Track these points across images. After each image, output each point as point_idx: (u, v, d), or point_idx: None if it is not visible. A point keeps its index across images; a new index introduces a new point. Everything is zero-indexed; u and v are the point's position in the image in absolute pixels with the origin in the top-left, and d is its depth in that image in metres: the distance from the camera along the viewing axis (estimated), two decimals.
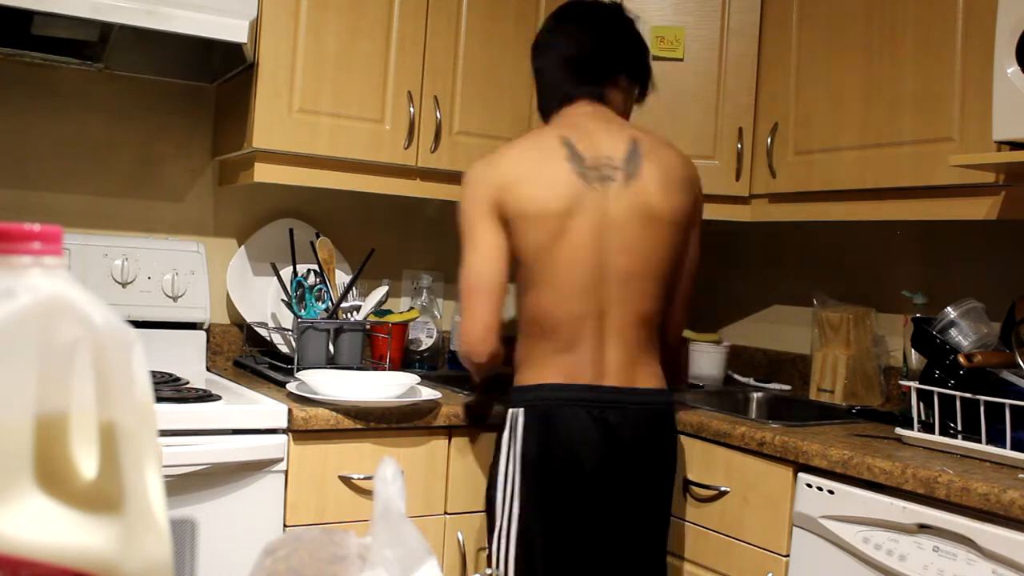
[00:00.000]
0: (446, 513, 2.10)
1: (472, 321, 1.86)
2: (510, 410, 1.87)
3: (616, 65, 1.98)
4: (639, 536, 1.91)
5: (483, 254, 1.85)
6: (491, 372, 1.98)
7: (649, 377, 1.90)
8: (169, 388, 2.01)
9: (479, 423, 2.11)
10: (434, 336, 2.69)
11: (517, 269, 1.89)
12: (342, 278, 2.45)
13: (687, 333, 2.81)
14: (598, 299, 1.85)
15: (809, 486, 1.82)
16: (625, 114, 2.03)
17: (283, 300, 2.31)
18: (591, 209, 1.83)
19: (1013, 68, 1.71)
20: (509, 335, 1.93)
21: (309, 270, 2.36)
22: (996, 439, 1.72)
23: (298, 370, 2.20)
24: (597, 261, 1.84)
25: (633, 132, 1.93)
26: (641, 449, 1.86)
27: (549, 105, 2.00)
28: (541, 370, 1.87)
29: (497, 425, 1.96)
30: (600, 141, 1.89)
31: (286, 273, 2.36)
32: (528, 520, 1.83)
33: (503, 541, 1.86)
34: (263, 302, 2.41)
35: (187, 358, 2.35)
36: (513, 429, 1.85)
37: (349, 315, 2.34)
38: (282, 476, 1.93)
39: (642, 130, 1.96)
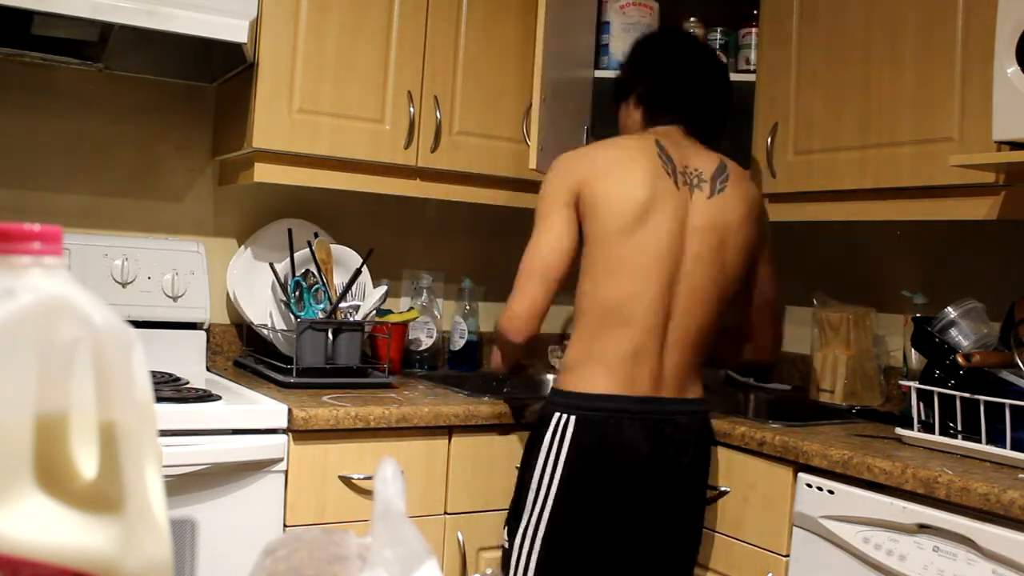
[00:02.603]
0: (446, 513, 2.10)
1: (523, 300, 1.88)
2: (557, 413, 1.86)
3: (713, 116, 2.08)
4: (674, 544, 1.93)
5: (552, 239, 1.87)
6: (517, 362, 2.03)
7: (696, 388, 1.96)
8: (169, 388, 2.01)
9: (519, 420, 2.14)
10: (434, 336, 2.69)
11: (589, 253, 1.89)
12: (343, 278, 2.45)
13: None
14: (667, 301, 1.87)
15: (809, 486, 1.82)
16: None
17: (282, 300, 2.31)
18: (673, 206, 1.87)
19: (1013, 68, 1.71)
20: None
21: (307, 270, 2.36)
22: (996, 439, 1.72)
23: (298, 370, 2.20)
24: (673, 263, 1.86)
25: (722, 157, 2.02)
26: (689, 460, 1.90)
27: (651, 111, 2.05)
28: (598, 376, 1.86)
29: (531, 424, 1.96)
30: (690, 155, 1.97)
31: (284, 273, 2.36)
32: (559, 523, 1.83)
33: (527, 541, 1.85)
34: (263, 302, 2.41)
35: (187, 358, 2.35)
36: (560, 433, 1.84)
37: (348, 315, 2.34)
38: (282, 476, 1.93)
39: (729, 159, 2.04)
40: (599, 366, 1.86)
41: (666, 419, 1.87)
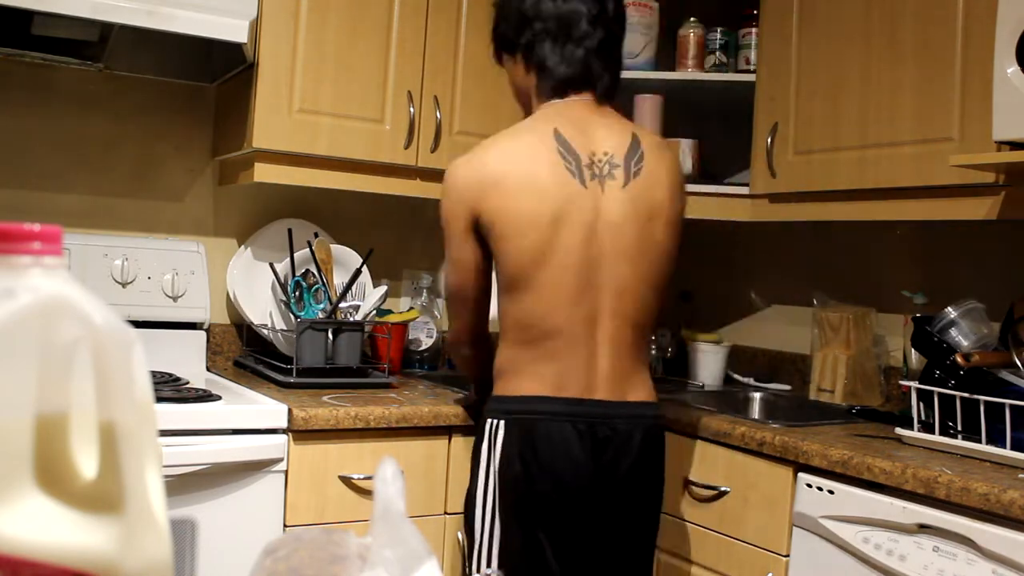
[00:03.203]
0: (446, 513, 2.10)
1: (453, 326, 1.91)
2: (489, 420, 1.74)
3: (618, 59, 1.85)
4: (626, 552, 1.80)
5: (459, 266, 1.81)
6: (477, 371, 1.95)
7: (639, 390, 1.78)
8: (169, 388, 2.01)
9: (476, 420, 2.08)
10: (434, 336, 2.69)
11: (500, 273, 1.76)
12: (343, 278, 2.45)
13: (687, 333, 2.82)
14: (590, 306, 1.71)
15: (809, 486, 1.82)
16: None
17: (282, 300, 2.31)
18: (584, 211, 1.70)
19: (1013, 68, 1.71)
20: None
21: (307, 270, 2.36)
22: (996, 439, 1.72)
23: (298, 370, 2.19)
24: (590, 266, 1.70)
25: (634, 128, 1.81)
26: (629, 465, 1.75)
27: (549, 83, 1.81)
28: (525, 380, 1.73)
29: (474, 434, 1.84)
30: (599, 136, 1.75)
31: (284, 273, 2.36)
32: (509, 539, 1.71)
33: (483, 561, 1.73)
34: (263, 302, 2.41)
35: (187, 358, 2.35)
36: (492, 441, 1.72)
37: (348, 315, 2.34)
38: (282, 476, 1.93)
39: (642, 128, 1.88)
40: (526, 370, 1.73)
41: (601, 421, 1.71)
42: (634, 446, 1.73)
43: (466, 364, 1.98)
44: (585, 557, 1.76)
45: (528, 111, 1.88)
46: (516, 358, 1.75)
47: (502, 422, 1.71)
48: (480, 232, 1.75)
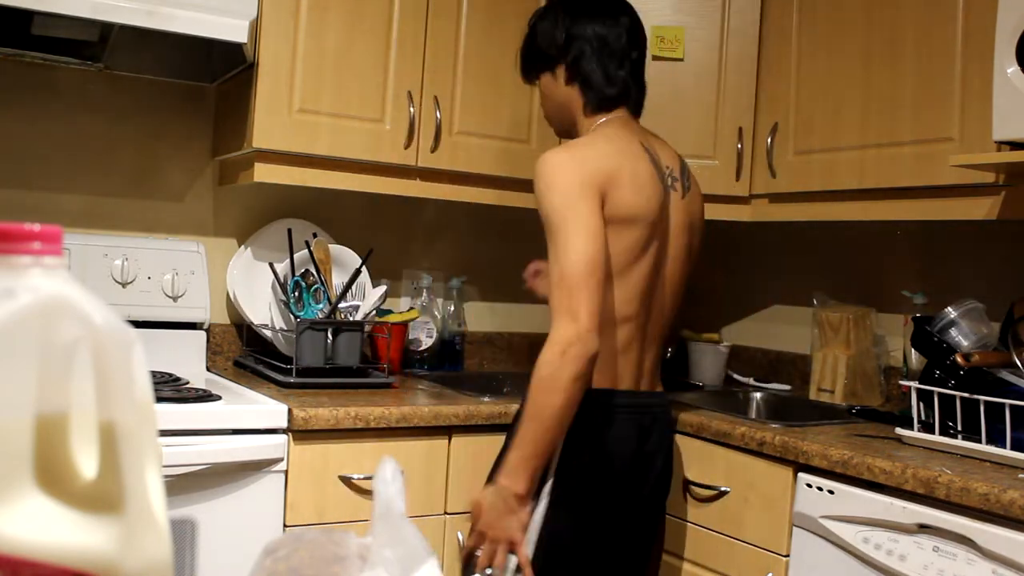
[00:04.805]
0: (446, 513, 2.10)
1: (586, 312, 1.61)
2: None
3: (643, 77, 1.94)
4: (649, 535, 1.94)
5: (591, 236, 1.64)
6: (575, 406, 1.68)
7: (660, 382, 1.96)
8: (169, 388, 2.01)
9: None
10: (434, 336, 2.69)
11: None
12: (343, 278, 2.45)
13: (687, 333, 2.82)
14: (649, 304, 1.84)
15: (809, 486, 1.82)
16: None
17: (281, 300, 2.31)
18: (666, 215, 1.85)
19: (1013, 68, 1.71)
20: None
21: (307, 270, 2.36)
22: (996, 439, 1.72)
23: (297, 370, 2.19)
24: (657, 267, 1.83)
25: (671, 147, 1.96)
26: (662, 452, 1.90)
27: (598, 102, 1.87)
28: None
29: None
30: (660, 149, 1.89)
31: (284, 273, 2.36)
32: (555, 524, 1.75)
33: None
34: (263, 302, 2.41)
35: (187, 358, 2.35)
36: None
37: (348, 315, 2.34)
38: (282, 476, 1.93)
39: None
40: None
41: (645, 412, 1.87)
42: (664, 433, 1.91)
43: (580, 382, 1.63)
44: (623, 535, 1.86)
45: (566, 126, 1.95)
46: None
47: None
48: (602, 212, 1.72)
